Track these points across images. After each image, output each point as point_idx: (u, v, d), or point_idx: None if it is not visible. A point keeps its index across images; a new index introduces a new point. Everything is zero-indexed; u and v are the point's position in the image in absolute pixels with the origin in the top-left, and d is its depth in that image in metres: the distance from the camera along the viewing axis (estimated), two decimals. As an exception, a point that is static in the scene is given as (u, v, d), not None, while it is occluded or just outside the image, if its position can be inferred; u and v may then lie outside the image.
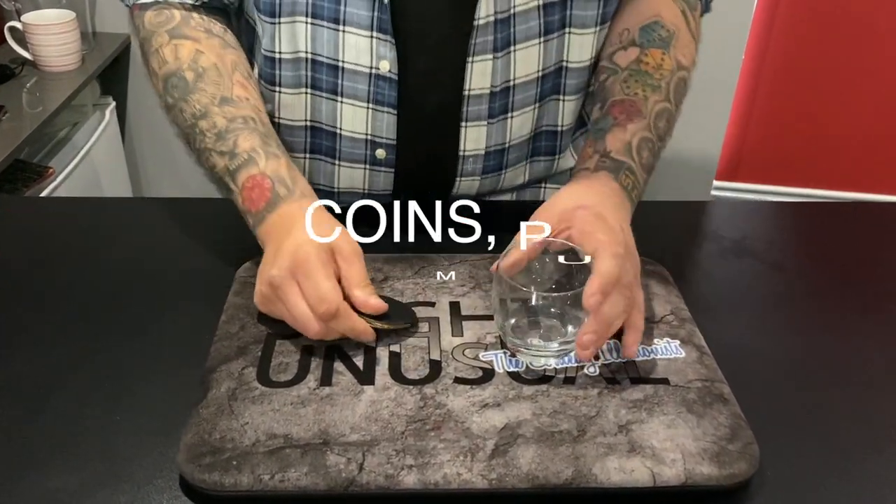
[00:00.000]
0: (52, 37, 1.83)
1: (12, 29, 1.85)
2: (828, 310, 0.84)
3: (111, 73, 2.06)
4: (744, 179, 2.54)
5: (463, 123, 0.90)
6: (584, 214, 0.72)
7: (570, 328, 0.70)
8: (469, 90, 0.87)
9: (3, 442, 0.64)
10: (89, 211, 1.01)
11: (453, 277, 0.81)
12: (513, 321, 0.71)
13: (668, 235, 0.96)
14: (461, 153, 0.92)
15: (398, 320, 0.72)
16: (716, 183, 2.45)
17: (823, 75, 2.34)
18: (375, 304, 0.70)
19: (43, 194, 1.66)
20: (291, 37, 0.85)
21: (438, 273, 0.81)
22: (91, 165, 1.90)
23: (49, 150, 1.84)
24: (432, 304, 0.77)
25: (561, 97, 0.94)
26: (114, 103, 2.07)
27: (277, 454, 0.60)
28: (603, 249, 0.68)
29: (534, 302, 0.72)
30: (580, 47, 0.89)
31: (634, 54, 0.87)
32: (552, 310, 0.72)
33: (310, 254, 0.68)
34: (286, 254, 0.69)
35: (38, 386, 0.70)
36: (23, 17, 1.84)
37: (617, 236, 0.71)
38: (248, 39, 0.93)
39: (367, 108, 0.88)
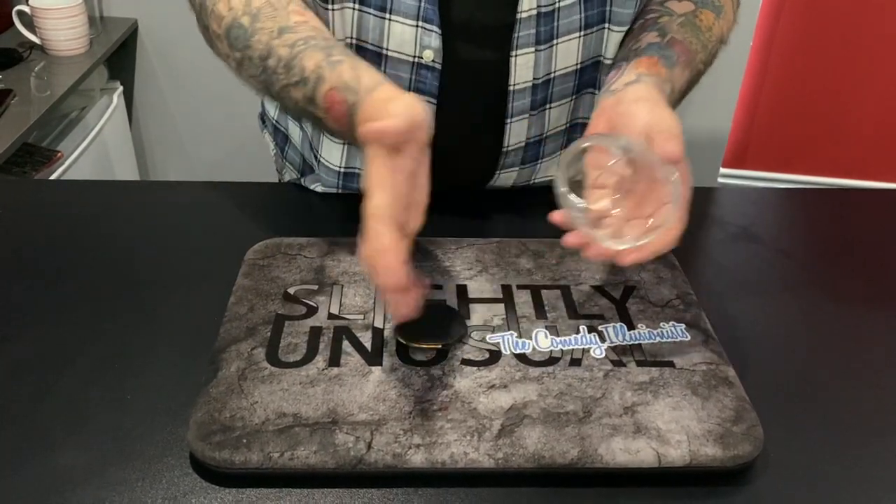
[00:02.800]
0: (60, 21, 1.83)
1: (20, 13, 1.86)
2: (833, 295, 0.84)
3: (119, 57, 2.06)
4: (751, 167, 2.53)
5: (508, 119, 0.90)
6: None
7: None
8: (514, 85, 0.87)
9: (14, 421, 0.65)
10: (98, 194, 1.01)
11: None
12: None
13: (674, 221, 0.96)
14: (505, 148, 0.93)
15: (433, 339, 0.71)
16: (723, 170, 2.44)
17: (831, 62, 2.34)
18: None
19: (52, 178, 1.67)
20: (342, 24, 0.85)
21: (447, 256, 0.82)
22: (99, 149, 1.91)
23: (57, 134, 1.84)
24: (440, 287, 0.78)
25: (597, 91, 0.94)
26: (121, 87, 2.07)
27: (287, 433, 0.61)
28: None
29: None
30: (616, 44, 0.89)
31: (689, 7, 0.87)
32: None
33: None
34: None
35: (49, 365, 0.71)
36: (31, 2, 1.84)
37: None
38: None
39: None
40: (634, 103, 0.71)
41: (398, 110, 0.63)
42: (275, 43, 0.76)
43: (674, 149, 0.65)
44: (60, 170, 1.71)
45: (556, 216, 0.68)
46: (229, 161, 2.21)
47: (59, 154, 1.73)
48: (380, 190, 0.62)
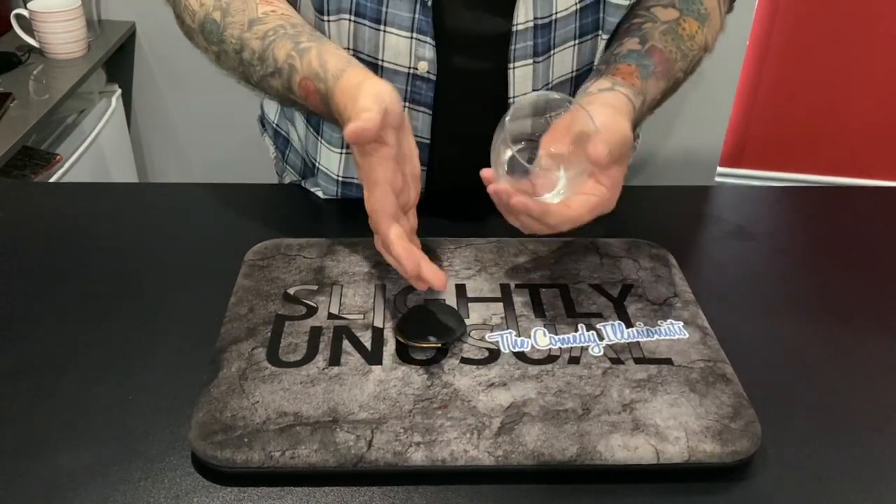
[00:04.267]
0: (58, 24, 1.83)
1: (19, 16, 1.86)
2: (829, 292, 0.85)
3: (117, 60, 2.06)
4: (747, 166, 2.54)
5: None
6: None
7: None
8: (513, 97, 0.88)
9: (17, 421, 0.66)
10: (97, 196, 1.02)
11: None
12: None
13: (672, 220, 0.97)
14: None
15: (432, 338, 0.71)
16: (719, 169, 2.45)
17: (827, 62, 2.34)
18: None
19: (51, 181, 1.67)
20: (338, 35, 0.85)
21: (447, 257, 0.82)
22: (98, 152, 1.91)
23: (56, 137, 1.84)
24: (439, 287, 0.78)
25: None
26: (120, 90, 2.07)
27: (288, 432, 0.61)
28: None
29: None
30: None
31: (673, 15, 0.87)
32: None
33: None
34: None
35: (51, 366, 0.71)
36: (29, 5, 1.85)
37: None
38: None
39: (404, 107, 0.88)
40: (601, 105, 0.74)
41: (367, 104, 0.67)
42: (246, 36, 0.78)
43: (600, 152, 0.67)
44: (59, 172, 1.71)
45: (486, 172, 0.71)
46: (228, 163, 2.21)
47: (59, 157, 1.73)
48: (373, 185, 0.69)
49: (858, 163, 2.48)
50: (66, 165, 1.74)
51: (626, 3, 0.86)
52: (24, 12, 1.85)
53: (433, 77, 0.86)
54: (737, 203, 1.05)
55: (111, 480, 0.61)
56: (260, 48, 0.77)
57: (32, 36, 1.87)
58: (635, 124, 0.80)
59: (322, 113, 0.76)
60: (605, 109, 0.73)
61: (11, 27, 1.88)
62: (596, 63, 0.90)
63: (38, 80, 1.81)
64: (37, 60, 1.87)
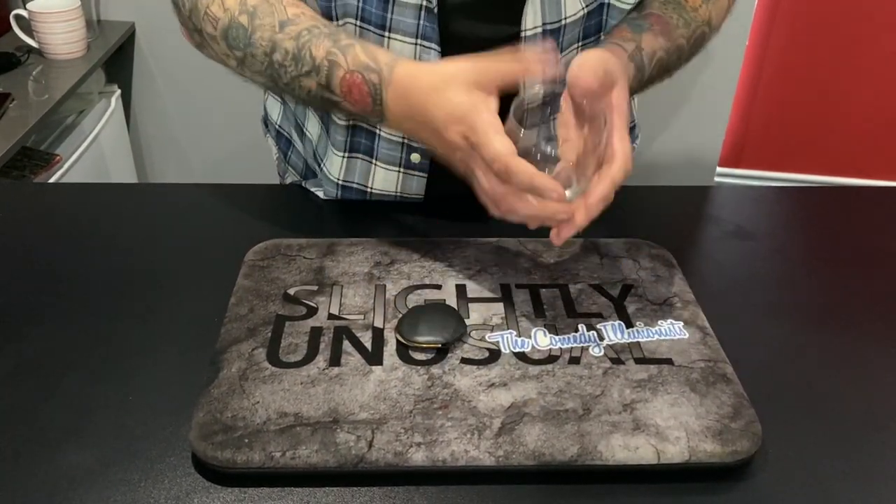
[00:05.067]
0: (58, 24, 1.83)
1: (18, 17, 1.86)
2: (829, 292, 0.85)
3: (116, 60, 2.06)
4: (747, 166, 2.54)
5: None
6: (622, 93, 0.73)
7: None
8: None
9: (17, 421, 0.66)
10: (96, 197, 1.02)
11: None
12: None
13: (672, 220, 0.97)
14: None
15: (433, 337, 0.71)
16: (718, 170, 2.45)
17: (826, 62, 2.34)
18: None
19: (51, 181, 1.67)
20: None
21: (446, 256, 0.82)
22: (97, 152, 1.91)
23: (56, 138, 1.84)
24: (438, 287, 0.78)
25: None
26: (119, 91, 2.07)
27: (288, 432, 0.61)
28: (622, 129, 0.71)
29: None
30: None
31: None
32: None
33: (467, 112, 0.68)
34: (449, 127, 0.69)
35: (52, 367, 0.71)
36: (28, 5, 1.85)
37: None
38: None
39: None
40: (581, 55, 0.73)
41: (502, 146, 0.66)
42: (278, 37, 0.77)
43: (586, 77, 0.68)
44: (59, 173, 1.71)
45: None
46: (227, 163, 2.21)
47: (58, 157, 1.73)
48: (498, 133, 0.66)
49: (857, 163, 2.48)
50: (66, 166, 1.74)
51: (629, 5, 0.86)
52: (24, 13, 1.85)
53: None
54: (736, 203, 1.05)
55: (111, 481, 0.61)
56: (294, 48, 0.77)
57: (32, 36, 1.87)
58: (643, 83, 0.81)
59: (360, 107, 0.76)
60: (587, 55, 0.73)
61: (11, 27, 1.88)
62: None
63: (37, 81, 1.81)
64: (36, 61, 1.87)
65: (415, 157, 0.91)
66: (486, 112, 0.67)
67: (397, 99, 0.73)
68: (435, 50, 0.84)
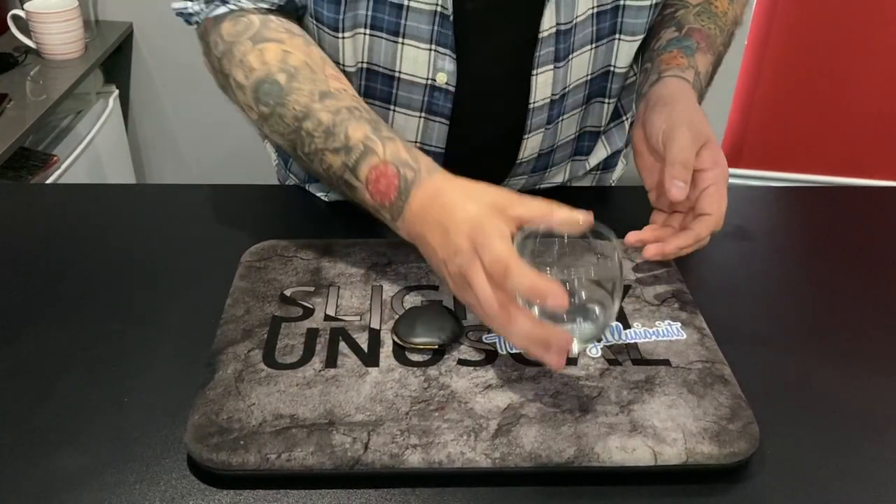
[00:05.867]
0: (55, 25, 1.83)
1: (15, 17, 1.86)
2: (828, 293, 0.84)
3: (114, 61, 2.06)
4: (746, 166, 2.54)
5: (526, 135, 0.90)
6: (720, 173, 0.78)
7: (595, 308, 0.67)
8: (534, 102, 0.87)
9: (13, 424, 0.65)
10: (94, 198, 1.01)
11: None
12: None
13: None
14: (519, 160, 0.93)
15: (429, 338, 0.71)
16: (718, 169, 2.44)
17: (825, 61, 2.34)
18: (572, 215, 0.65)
19: (48, 182, 1.67)
20: (353, 50, 0.84)
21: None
22: (95, 153, 1.91)
23: (53, 138, 1.84)
24: (435, 288, 0.78)
25: (606, 100, 0.95)
26: (117, 91, 2.07)
27: (284, 434, 0.61)
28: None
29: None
30: (626, 54, 0.90)
31: None
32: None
33: (482, 217, 0.64)
34: (461, 228, 0.65)
35: (47, 368, 0.71)
36: (26, 6, 1.85)
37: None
38: None
39: (420, 117, 0.88)
40: (658, 114, 0.78)
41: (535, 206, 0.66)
42: (316, 106, 0.75)
43: (676, 189, 0.74)
44: (56, 174, 1.71)
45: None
46: (225, 164, 2.21)
47: (55, 158, 1.73)
48: (505, 239, 0.63)
49: (857, 163, 2.48)
50: (63, 167, 1.74)
51: (648, 2, 0.86)
52: (21, 13, 1.85)
53: (452, 88, 0.85)
54: (735, 203, 1.03)
55: (107, 482, 0.60)
56: (330, 122, 0.74)
57: (29, 36, 1.87)
58: (700, 96, 0.84)
59: (378, 199, 0.72)
60: (659, 116, 0.78)
61: (8, 28, 1.88)
62: (640, 64, 0.92)
63: (34, 81, 1.81)
64: (33, 61, 1.87)
65: None
66: (499, 224, 0.64)
67: (424, 198, 0.69)
68: (450, 56, 0.83)
